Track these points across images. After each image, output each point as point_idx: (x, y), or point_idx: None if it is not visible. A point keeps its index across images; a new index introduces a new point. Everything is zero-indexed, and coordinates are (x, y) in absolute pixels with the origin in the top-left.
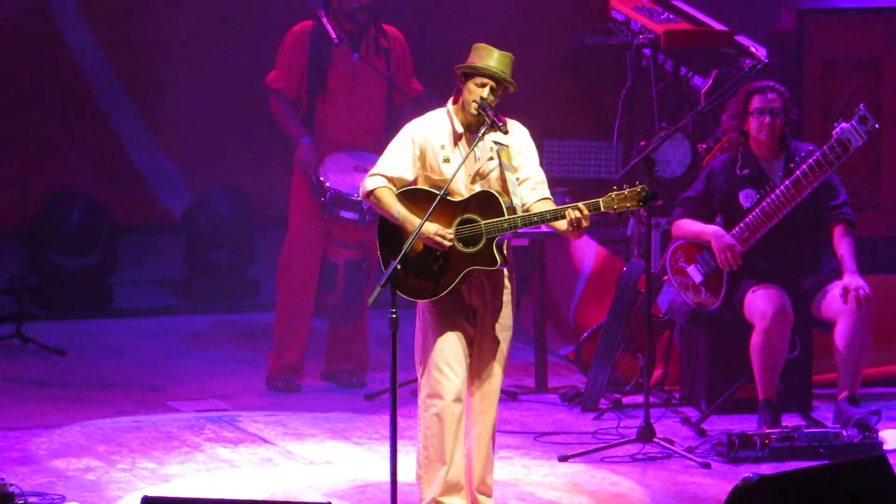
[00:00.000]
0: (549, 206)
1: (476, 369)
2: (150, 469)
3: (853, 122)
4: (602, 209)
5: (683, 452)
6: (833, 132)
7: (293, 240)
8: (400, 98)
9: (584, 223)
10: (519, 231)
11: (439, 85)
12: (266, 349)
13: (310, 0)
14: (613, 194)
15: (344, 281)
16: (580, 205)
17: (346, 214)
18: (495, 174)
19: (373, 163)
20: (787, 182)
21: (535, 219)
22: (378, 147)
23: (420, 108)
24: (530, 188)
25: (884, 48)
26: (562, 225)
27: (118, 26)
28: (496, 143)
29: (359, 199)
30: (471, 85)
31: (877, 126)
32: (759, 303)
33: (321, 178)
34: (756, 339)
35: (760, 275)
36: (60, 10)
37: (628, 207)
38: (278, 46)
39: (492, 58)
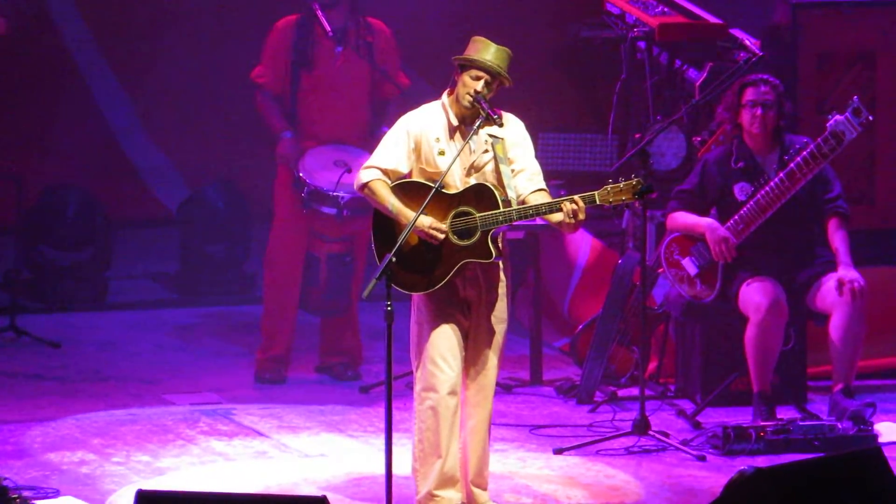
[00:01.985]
0: (545, 197)
1: (471, 362)
2: (144, 462)
3: (847, 114)
4: (598, 202)
5: (679, 445)
6: (827, 124)
7: (277, 234)
8: (386, 91)
9: (581, 216)
10: (514, 224)
11: (433, 78)
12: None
13: None
14: (609, 187)
15: (327, 275)
16: (576, 197)
17: (324, 209)
18: (490, 167)
19: (355, 157)
20: (781, 174)
21: (531, 211)
22: (362, 141)
23: (407, 100)
24: (527, 178)
25: (878, 41)
26: (557, 217)
27: (113, 20)
28: (491, 136)
29: (336, 194)
30: (466, 77)
31: (870, 118)
32: (754, 295)
33: (300, 174)
34: (750, 332)
35: (755, 267)
36: (55, 4)
37: (624, 200)
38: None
39: (489, 51)
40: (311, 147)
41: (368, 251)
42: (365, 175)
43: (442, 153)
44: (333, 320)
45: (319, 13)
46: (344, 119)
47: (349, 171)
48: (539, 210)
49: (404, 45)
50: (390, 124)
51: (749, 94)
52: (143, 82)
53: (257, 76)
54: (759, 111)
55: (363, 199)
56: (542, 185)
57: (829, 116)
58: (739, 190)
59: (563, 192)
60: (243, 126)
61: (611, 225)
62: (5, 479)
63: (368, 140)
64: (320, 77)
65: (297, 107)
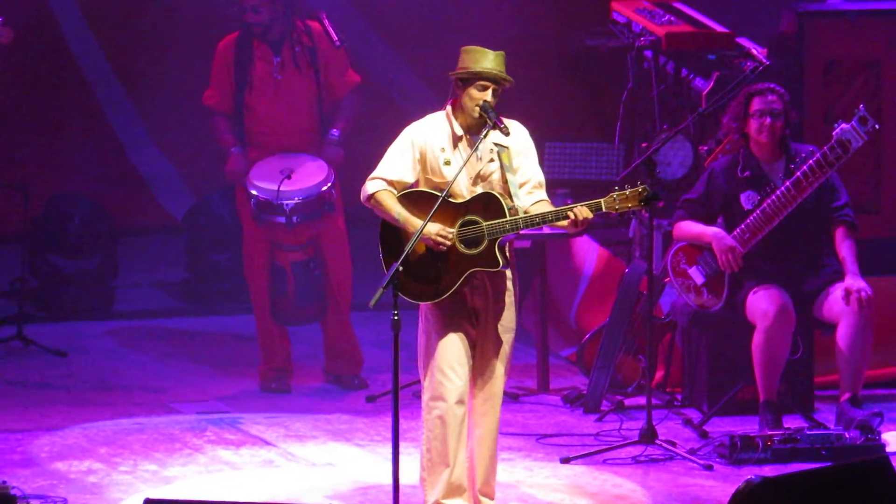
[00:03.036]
0: (548, 207)
1: (478, 371)
2: (151, 471)
3: (853, 122)
4: (604, 209)
5: (685, 454)
6: (833, 133)
7: (246, 248)
8: (340, 91)
9: (586, 219)
10: (521, 232)
11: (440, 86)
12: None
13: (310, 2)
14: (615, 194)
15: (294, 284)
16: (582, 205)
17: (274, 219)
18: (496, 176)
19: (301, 164)
20: (787, 183)
21: (538, 220)
22: (312, 147)
23: (360, 97)
24: (527, 192)
25: (884, 50)
26: (563, 223)
27: (120, 30)
28: (497, 144)
29: (279, 202)
30: (472, 91)
31: (877, 126)
32: (761, 303)
33: (247, 187)
34: (758, 340)
35: (762, 276)
36: (62, 13)
37: (630, 207)
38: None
39: (487, 59)
40: (261, 158)
41: (352, 254)
42: (371, 186)
43: (448, 163)
44: (330, 326)
45: (326, 23)
46: (290, 127)
47: (288, 177)
48: (546, 218)
49: (409, 53)
50: (340, 128)
51: (756, 104)
52: (150, 91)
53: (206, 98)
54: (767, 120)
55: (311, 204)
56: (544, 196)
57: (836, 125)
58: (746, 199)
59: (569, 201)
60: None
61: (617, 234)
62: (13, 487)
63: (319, 146)
64: (262, 89)
65: (245, 121)
